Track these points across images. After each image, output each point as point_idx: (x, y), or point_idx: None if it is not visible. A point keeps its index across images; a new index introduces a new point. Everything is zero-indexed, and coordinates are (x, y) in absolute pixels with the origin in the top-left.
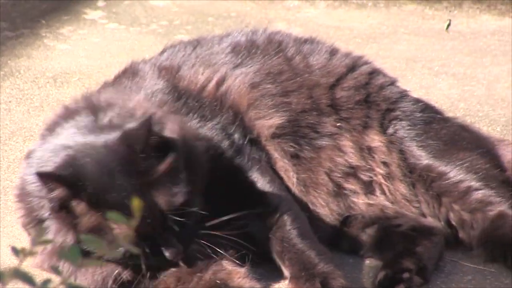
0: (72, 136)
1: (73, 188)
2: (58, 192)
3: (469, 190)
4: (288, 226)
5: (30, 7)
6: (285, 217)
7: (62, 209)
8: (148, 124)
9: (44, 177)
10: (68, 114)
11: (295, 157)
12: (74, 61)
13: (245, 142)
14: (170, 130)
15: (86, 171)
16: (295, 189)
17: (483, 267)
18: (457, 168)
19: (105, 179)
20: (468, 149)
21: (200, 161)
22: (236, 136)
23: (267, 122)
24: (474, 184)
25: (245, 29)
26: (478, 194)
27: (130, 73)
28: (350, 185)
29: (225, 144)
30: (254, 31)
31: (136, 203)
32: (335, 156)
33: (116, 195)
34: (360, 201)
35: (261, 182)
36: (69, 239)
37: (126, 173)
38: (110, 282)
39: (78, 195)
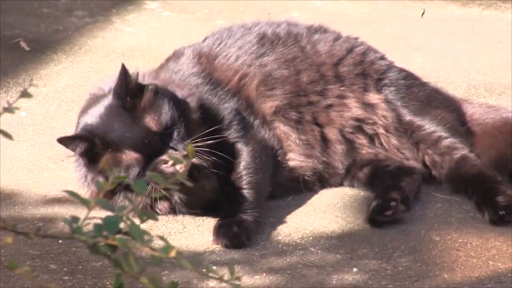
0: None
1: (88, 140)
2: (82, 146)
3: (439, 139)
4: (244, 177)
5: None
6: (244, 179)
7: (87, 158)
8: (122, 74)
9: (60, 140)
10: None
11: (298, 123)
12: (138, 40)
13: (252, 119)
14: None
15: (96, 127)
16: (297, 147)
17: (450, 197)
18: (431, 122)
19: (107, 125)
20: (439, 108)
21: (182, 101)
22: (247, 116)
23: (269, 104)
24: (444, 134)
25: (269, 18)
26: (446, 142)
27: (176, 57)
28: (359, 140)
29: (235, 123)
30: (278, 24)
31: (189, 148)
32: (343, 111)
33: (118, 132)
34: (364, 152)
35: (247, 155)
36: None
37: (118, 114)
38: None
39: (93, 144)
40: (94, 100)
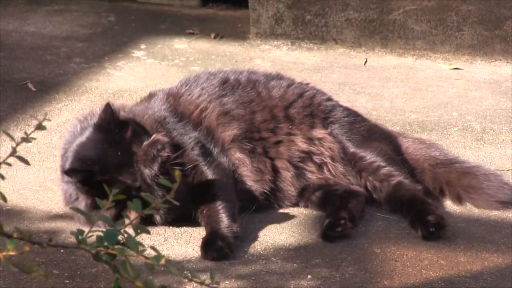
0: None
1: (85, 171)
2: (79, 176)
3: (379, 167)
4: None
5: (98, 49)
6: (219, 201)
7: (85, 185)
8: (108, 111)
9: (68, 172)
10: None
11: (251, 152)
12: (126, 83)
13: (212, 146)
14: (126, 117)
15: (88, 156)
16: (251, 173)
17: (389, 216)
18: (371, 153)
19: (103, 156)
20: (378, 140)
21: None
22: (207, 144)
23: (228, 133)
24: (382, 163)
25: (235, 66)
26: (385, 170)
27: (150, 97)
28: (308, 167)
29: (196, 148)
30: (241, 71)
31: (177, 173)
32: (291, 146)
33: (114, 160)
34: (314, 177)
35: (211, 174)
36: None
37: (110, 145)
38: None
39: (90, 172)
40: (79, 131)
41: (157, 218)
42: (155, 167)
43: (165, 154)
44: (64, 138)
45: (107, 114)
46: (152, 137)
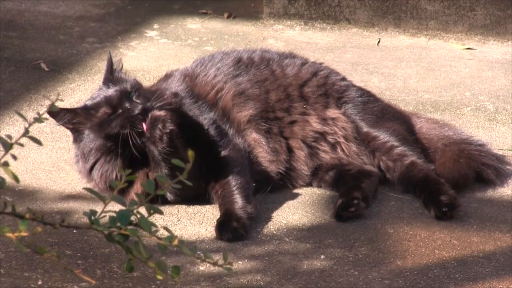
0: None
1: (71, 111)
2: (59, 116)
3: (392, 147)
4: (232, 183)
5: (111, 29)
6: (233, 182)
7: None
8: (109, 60)
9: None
10: None
11: (267, 132)
12: (139, 63)
13: (227, 127)
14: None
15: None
16: (266, 154)
17: (402, 196)
18: (385, 133)
19: (90, 99)
20: (391, 120)
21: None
22: (223, 125)
23: (244, 113)
24: (395, 143)
25: (248, 46)
26: (398, 150)
27: (167, 77)
28: (322, 146)
29: (212, 129)
30: (254, 50)
31: (190, 154)
32: (305, 126)
33: (98, 97)
34: (327, 157)
35: (226, 155)
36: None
37: (101, 89)
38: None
39: (75, 114)
40: None
41: (169, 195)
42: (165, 144)
43: (169, 129)
44: None
45: (107, 64)
46: (150, 115)
